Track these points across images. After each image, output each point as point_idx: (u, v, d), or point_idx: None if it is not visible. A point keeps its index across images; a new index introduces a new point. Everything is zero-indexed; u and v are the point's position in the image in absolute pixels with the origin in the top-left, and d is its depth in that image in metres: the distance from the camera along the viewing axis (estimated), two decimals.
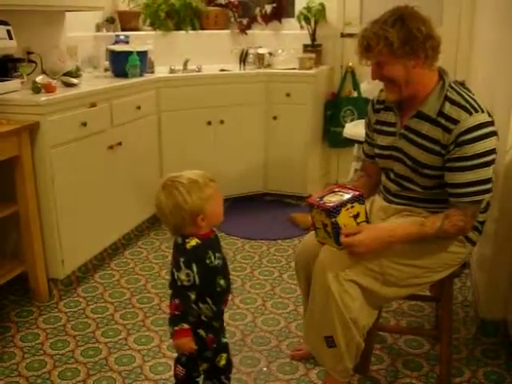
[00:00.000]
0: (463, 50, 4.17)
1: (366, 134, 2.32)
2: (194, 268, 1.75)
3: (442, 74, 2.01)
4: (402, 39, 1.88)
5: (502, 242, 2.45)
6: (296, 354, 2.47)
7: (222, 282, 1.84)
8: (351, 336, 1.99)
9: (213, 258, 1.80)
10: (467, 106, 1.90)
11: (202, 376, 1.94)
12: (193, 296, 1.76)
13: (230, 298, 1.95)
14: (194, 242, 1.78)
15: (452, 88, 1.97)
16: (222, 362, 1.96)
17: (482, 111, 1.90)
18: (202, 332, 1.86)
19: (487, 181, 1.90)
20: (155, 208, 1.82)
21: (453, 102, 1.93)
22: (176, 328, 1.75)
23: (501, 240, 2.45)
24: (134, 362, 2.45)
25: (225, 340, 1.99)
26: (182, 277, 1.74)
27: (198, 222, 1.78)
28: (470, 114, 1.88)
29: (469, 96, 1.94)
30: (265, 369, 2.39)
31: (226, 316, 2.05)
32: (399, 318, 2.78)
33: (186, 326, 1.75)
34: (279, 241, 3.69)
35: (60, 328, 2.70)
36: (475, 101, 1.93)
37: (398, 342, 2.58)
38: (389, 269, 1.99)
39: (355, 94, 4.49)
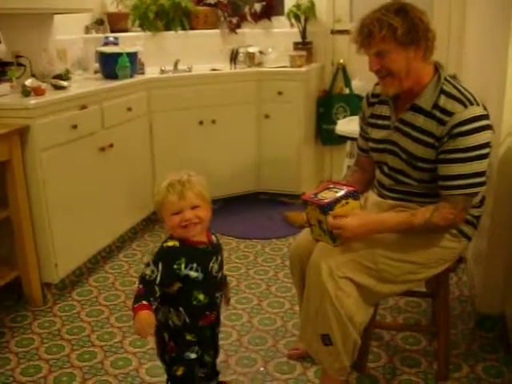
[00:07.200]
0: (454, 44, 4.17)
1: (361, 128, 2.30)
2: (160, 267, 1.71)
3: (437, 68, 2.00)
4: (405, 27, 1.86)
5: (497, 236, 2.44)
6: (293, 353, 2.45)
7: (200, 296, 1.81)
8: (347, 333, 1.98)
9: (183, 267, 1.75)
10: (462, 98, 1.89)
11: None
12: (157, 289, 1.71)
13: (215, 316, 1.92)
14: (171, 243, 1.78)
15: (448, 81, 1.96)
16: (179, 373, 1.90)
17: (478, 104, 1.89)
18: (166, 335, 1.88)
19: (480, 174, 1.89)
20: None
21: (448, 95, 1.92)
22: (135, 305, 1.69)
23: (496, 234, 2.44)
24: (130, 365, 2.43)
25: (209, 359, 1.97)
26: (147, 271, 1.72)
27: (165, 222, 1.80)
28: (465, 106, 1.87)
29: (464, 89, 1.93)
30: (262, 369, 2.38)
31: (221, 317, 2.02)
32: (396, 314, 2.77)
33: (145, 302, 1.68)
34: (274, 240, 3.67)
35: (55, 332, 2.68)
36: (471, 94, 1.92)
37: (395, 338, 2.57)
38: (383, 265, 1.98)
39: (347, 91, 4.49)
